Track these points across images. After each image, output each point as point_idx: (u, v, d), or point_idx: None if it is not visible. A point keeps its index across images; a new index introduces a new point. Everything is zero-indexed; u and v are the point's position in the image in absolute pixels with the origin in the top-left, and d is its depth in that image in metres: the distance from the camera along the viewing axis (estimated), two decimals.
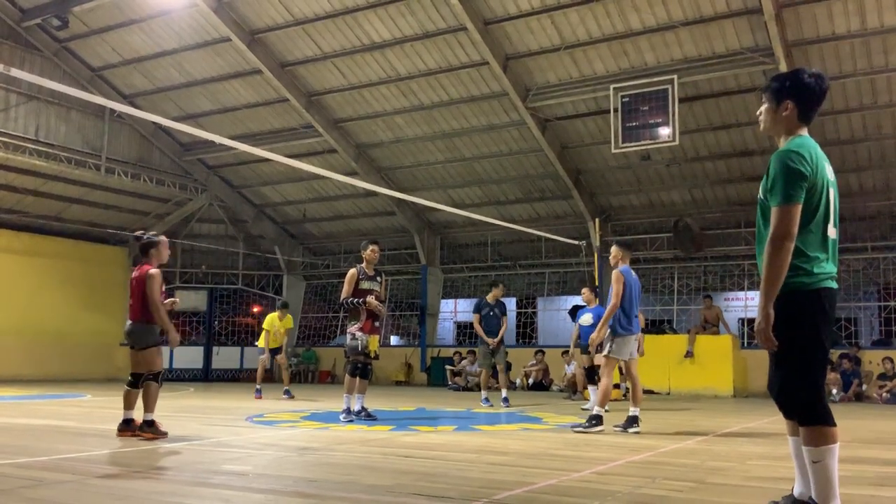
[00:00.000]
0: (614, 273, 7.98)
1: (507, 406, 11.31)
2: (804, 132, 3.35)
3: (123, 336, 7.24)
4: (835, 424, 3.15)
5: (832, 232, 3.27)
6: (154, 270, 6.69)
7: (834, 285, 3.26)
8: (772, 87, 3.41)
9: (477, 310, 12.06)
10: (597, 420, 7.47)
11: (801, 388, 3.19)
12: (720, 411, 11.06)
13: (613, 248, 8.28)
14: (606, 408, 7.69)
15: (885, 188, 16.52)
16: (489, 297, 12.06)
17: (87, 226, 20.75)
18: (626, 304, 7.84)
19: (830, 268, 3.24)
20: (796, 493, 3.41)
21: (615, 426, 7.56)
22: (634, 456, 5.67)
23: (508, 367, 12.12)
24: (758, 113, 3.54)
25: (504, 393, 11.75)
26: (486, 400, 11.71)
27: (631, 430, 7.40)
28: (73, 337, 18.45)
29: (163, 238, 7.02)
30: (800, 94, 3.34)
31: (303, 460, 5.42)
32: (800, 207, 3.13)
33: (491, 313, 11.89)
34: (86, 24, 17.57)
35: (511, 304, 20.59)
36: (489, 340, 11.72)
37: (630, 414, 7.56)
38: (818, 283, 3.19)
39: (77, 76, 18.78)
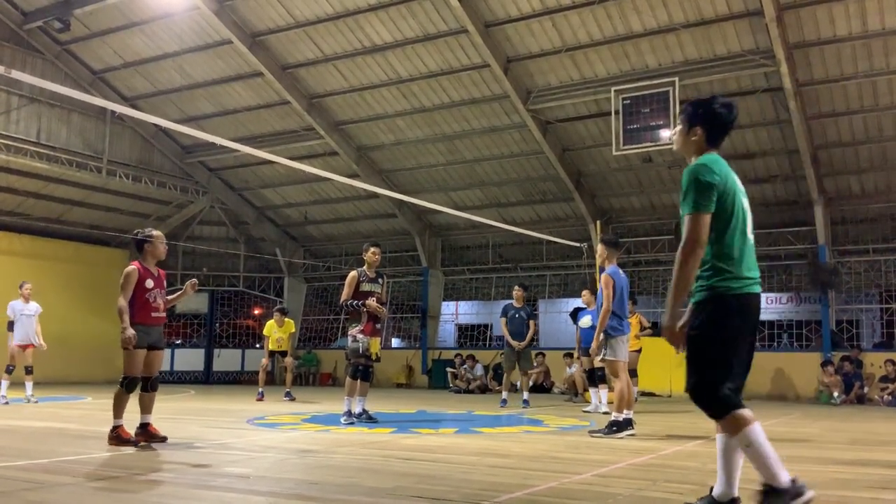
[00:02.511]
0: (603, 277, 7.90)
1: (527, 407, 11.54)
2: (713, 153, 3.55)
3: None
4: (745, 406, 3.25)
5: (751, 237, 3.49)
6: (129, 268, 6.49)
7: (757, 289, 3.44)
8: (686, 112, 3.65)
9: (503, 314, 12.30)
10: (617, 426, 7.30)
11: (718, 381, 3.29)
12: None
13: (599, 247, 8.21)
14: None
15: (886, 190, 16.50)
16: (514, 300, 12.32)
17: (88, 228, 20.76)
18: (617, 305, 7.79)
19: (753, 272, 3.43)
20: (716, 493, 3.42)
21: (593, 432, 7.48)
22: (635, 458, 5.66)
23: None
24: (672, 133, 3.74)
25: (525, 395, 12.06)
26: (504, 402, 11.94)
27: (620, 435, 7.23)
28: (73, 339, 18.42)
29: (156, 233, 6.73)
30: (709, 122, 3.58)
31: (304, 463, 5.41)
32: (709, 217, 3.33)
33: (517, 316, 12.10)
34: (87, 26, 17.59)
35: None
36: (514, 343, 11.96)
37: (613, 418, 7.47)
38: (743, 288, 3.37)
39: (78, 79, 18.80)
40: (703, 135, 3.57)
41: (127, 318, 6.31)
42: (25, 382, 11.99)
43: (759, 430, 3.23)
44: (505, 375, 12.44)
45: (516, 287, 12.56)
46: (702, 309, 3.37)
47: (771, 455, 3.21)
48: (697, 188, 3.35)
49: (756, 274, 3.45)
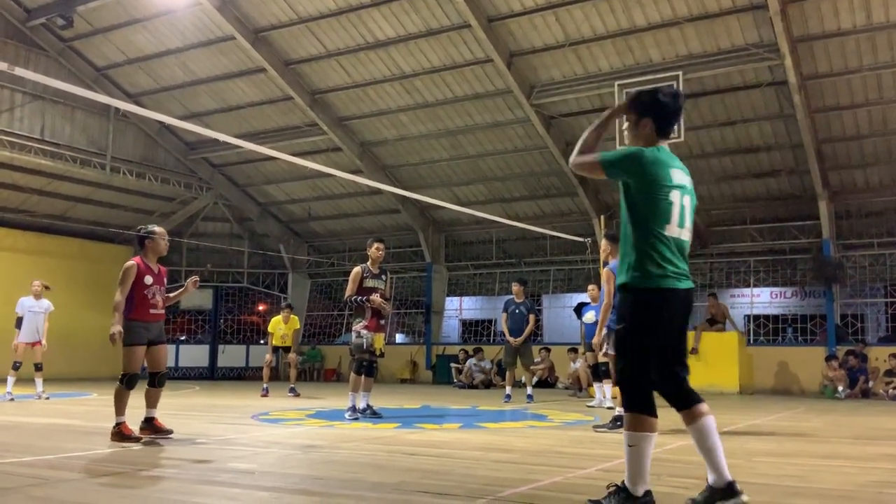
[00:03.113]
0: (605, 271, 7.90)
1: (531, 402, 11.50)
2: (663, 144, 3.66)
3: None
4: (655, 416, 3.40)
5: (678, 232, 3.53)
6: (129, 263, 6.48)
7: (682, 285, 3.50)
8: (636, 105, 3.72)
9: (504, 309, 12.20)
10: (622, 421, 7.31)
11: (632, 376, 3.48)
12: (726, 408, 11.03)
13: (603, 242, 8.24)
14: None
15: (891, 184, 16.44)
16: (514, 295, 12.22)
17: (92, 225, 20.79)
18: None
19: (678, 267, 3.50)
20: (711, 482, 3.49)
21: (597, 427, 7.46)
22: None
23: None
24: (623, 128, 3.83)
25: (529, 390, 12.02)
26: (508, 396, 11.90)
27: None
28: (78, 336, 18.46)
29: (158, 229, 6.75)
30: (656, 113, 3.64)
31: (308, 458, 5.42)
32: (601, 173, 3.57)
33: (517, 311, 11.98)
34: (90, 23, 17.60)
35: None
36: (510, 340, 11.93)
37: (617, 413, 7.47)
38: (663, 283, 3.45)
39: (82, 75, 18.82)
40: (653, 125, 3.63)
41: (119, 315, 6.29)
42: (35, 379, 12.00)
43: (651, 442, 3.39)
44: (508, 371, 12.40)
45: (514, 283, 12.43)
46: (624, 300, 3.54)
47: (645, 468, 3.39)
48: (624, 159, 3.52)
49: (682, 269, 3.51)
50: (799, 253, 17.69)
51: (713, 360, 15.19)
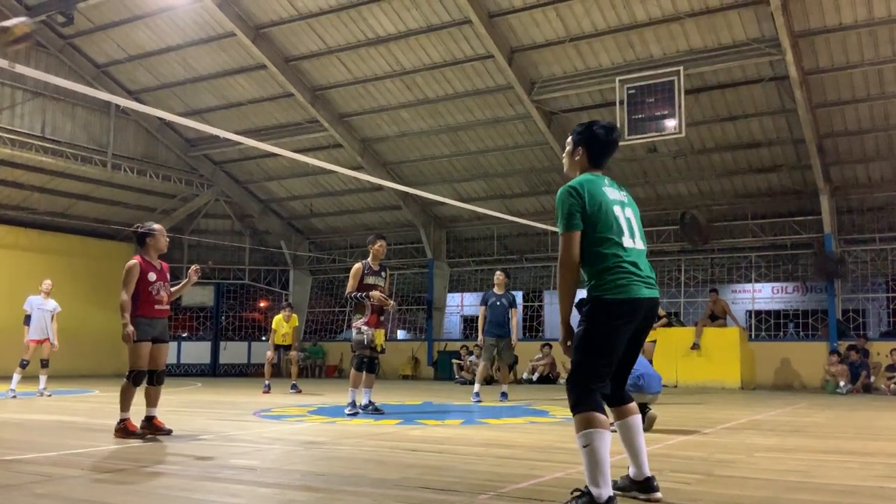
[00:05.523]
0: None
1: (504, 400, 10.91)
2: (591, 173, 3.78)
3: None
4: (603, 412, 3.40)
5: (631, 243, 3.62)
6: (130, 262, 6.51)
7: (647, 293, 3.55)
8: (572, 133, 3.90)
9: (483, 302, 11.51)
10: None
11: (576, 381, 3.51)
12: (727, 404, 11.04)
13: None
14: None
15: (892, 179, 16.42)
16: (495, 286, 11.55)
17: (93, 222, 20.81)
18: None
19: (639, 275, 3.55)
20: (631, 474, 3.70)
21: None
22: None
23: (515, 360, 11.61)
24: (563, 156, 4.01)
25: (504, 387, 11.43)
26: (477, 395, 10.93)
27: None
28: (81, 333, 18.47)
29: (157, 226, 6.80)
30: (589, 143, 3.82)
31: (310, 454, 5.42)
32: (578, 234, 3.55)
33: (497, 303, 11.30)
34: (91, 20, 17.59)
35: (518, 297, 20.48)
36: (481, 340, 11.36)
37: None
38: (618, 294, 3.49)
39: (82, 72, 18.81)
40: (585, 155, 3.81)
41: (128, 314, 6.32)
42: (40, 376, 12.03)
43: (605, 438, 3.33)
44: (481, 366, 11.50)
45: (498, 272, 11.72)
46: (582, 310, 3.58)
47: (604, 466, 3.30)
48: (563, 211, 3.59)
49: (645, 276, 3.58)
50: (800, 248, 17.69)
51: (715, 356, 15.22)
